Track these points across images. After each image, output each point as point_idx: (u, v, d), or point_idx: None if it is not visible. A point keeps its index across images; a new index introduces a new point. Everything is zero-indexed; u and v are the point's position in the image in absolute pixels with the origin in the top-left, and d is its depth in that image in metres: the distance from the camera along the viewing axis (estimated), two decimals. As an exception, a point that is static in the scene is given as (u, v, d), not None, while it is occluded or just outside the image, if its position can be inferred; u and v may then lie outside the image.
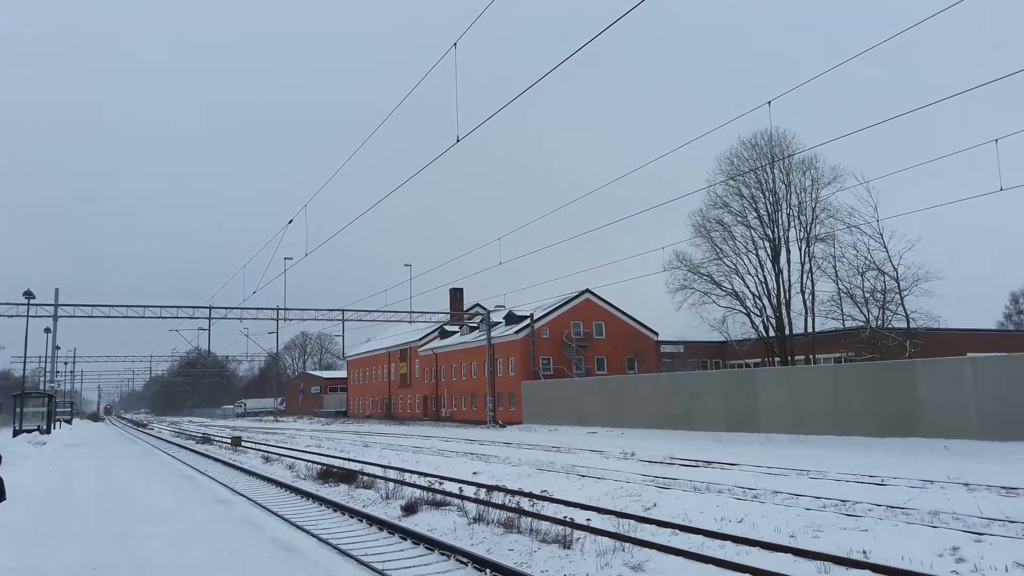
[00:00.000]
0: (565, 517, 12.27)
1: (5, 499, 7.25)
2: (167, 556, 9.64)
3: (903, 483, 16.63)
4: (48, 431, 44.68)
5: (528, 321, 61.14)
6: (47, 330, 53.97)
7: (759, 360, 52.10)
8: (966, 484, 16.03)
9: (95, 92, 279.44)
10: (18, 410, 44.11)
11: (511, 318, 64.13)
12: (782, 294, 48.47)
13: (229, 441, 40.15)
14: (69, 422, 77.87)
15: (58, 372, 67.75)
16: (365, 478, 19.29)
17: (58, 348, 58.18)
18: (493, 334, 61.86)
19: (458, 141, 17.26)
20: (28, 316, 48.22)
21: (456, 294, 75.61)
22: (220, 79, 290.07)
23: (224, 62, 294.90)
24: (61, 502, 15.47)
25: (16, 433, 40.86)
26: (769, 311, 49.14)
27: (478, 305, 72.89)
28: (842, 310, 46.54)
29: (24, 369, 64.50)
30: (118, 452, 35.11)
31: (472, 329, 69.25)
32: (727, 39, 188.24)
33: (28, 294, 46.96)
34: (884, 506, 13.40)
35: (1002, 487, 15.36)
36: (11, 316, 48.39)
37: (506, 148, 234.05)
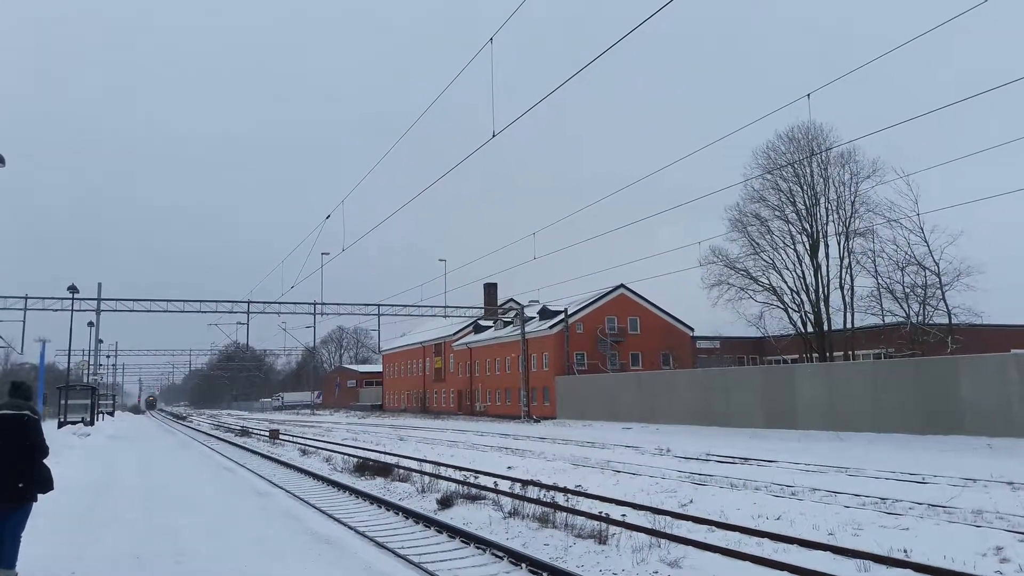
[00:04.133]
0: (601, 512, 12.26)
1: (53, 489, 7.41)
2: (207, 546, 9.79)
3: (944, 481, 16.37)
4: (92, 423, 45.62)
5: (562, 316, 61.06)
6: (90, 324, 55.17)
7: (796, 356, 51.51)
8: (1010, 483, 15.73)
9: (136, 86, 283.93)
10: (63, 402, 45.08)
11: (545, 313, 64.10)
12: (820, 289, 47.86)
13: (267, 434, 40.68)
14: (111, 414, 79.43)
15: (100, 365, 69.11)
16: (401, 471, 19.43)
17: (101, 341, 59.39)
18: (527, 329, 61.88)
19: (494, 136, 17.29)
20: (72, 310, 49.37)
21: (490, 289, 75.78)
22: (259, 77, 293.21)
23: (263, 59, 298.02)
24: (105, 493, 15.78)
25: (61, 425, 41.74)
26: (807, 306, 48.57)
27: (512, 300, 73.00)
28: (882, 306, 45.88)
29: (68, 362, 65.91)
30: (159, 444, 35.73)
31: (506, 324, 69.37)
32: (765, 32, 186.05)
33: (72, 288, 48.02)
34: (925, 504, 13.20)
35: (1048, 486, 15.06)
36: (56, 310, 49.58)
37: (541, 143, 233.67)
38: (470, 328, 78.45)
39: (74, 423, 42.81)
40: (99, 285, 52.30)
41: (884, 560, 9.06)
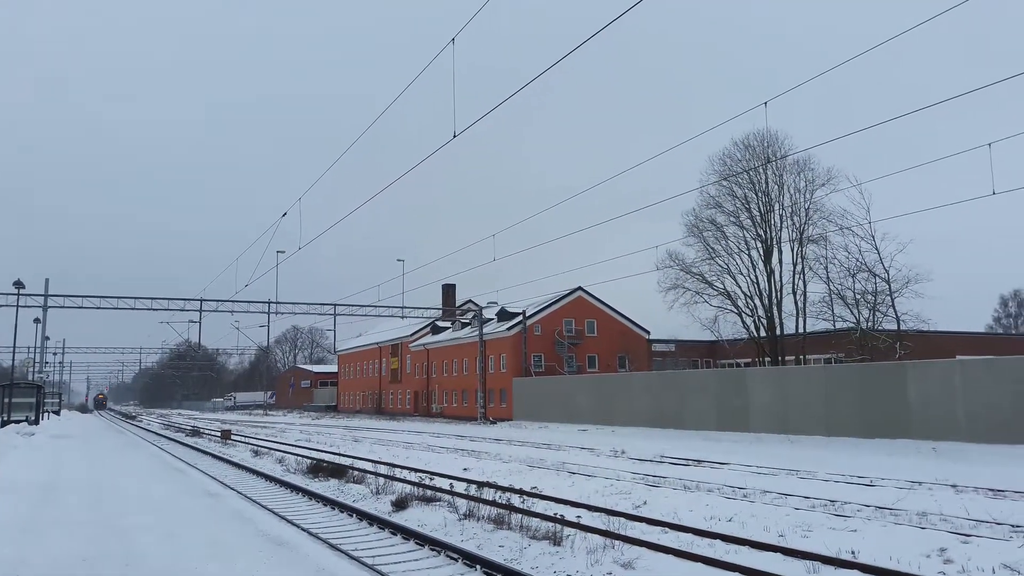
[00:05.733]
0: (555, 514, 12.30)
1: (-4, 490, 7.20)
2: (157, 548, 9.62)
3: (891, 484, 16.73)
4: (36, 422, 44.48)
5: (520, 318, 61.12)
6: (36, 320, 53.75)
7: (750, 360, 52.21)
8: (954, 486, 16.13)
9: (88, 86, 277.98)
10: (6, 400, 43.87)
11: (503, 315, 64.13)
12: (774, 294, 48.61)
13: (219, 434, 40.06)
14: (57, 413, 77.53)
15: (47, 363, 67.44)
16: (355, 473, 19.29)
17: (47, 339, 57.93)
18: (485, 330, 61.84)
19: (455, 137, 17.26)
20: (18, 306, 48.01)
21: (448, 290, 75.53)
22: (215, 73, 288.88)
23: (219, 57, 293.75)
24: (50, 493, 15.40)
25: (4, 424, 40.66)
26: (760, 311, 49.28)
27: (470, 301, 72.85)
28: (833, 311, 46.72)
29: (13, 359, 64.38)
30: (107, 444, 34.97)
31: (464, 325, 69.22)
32: (722, 40, 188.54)
33: (18, 284, 46.71)
34: (873, 507, 13.49)
35: (989, 489, 15.48)
36: (1, 306, 48.16)
37: (502, 145, 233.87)
38: (427, 329, 78.09)
39: (18, 422, 41.73)
40: (46, 281, 50.98)
41: (832, 561, 9.24)
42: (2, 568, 8.41)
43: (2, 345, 74.44)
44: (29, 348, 71.00)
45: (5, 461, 20.49)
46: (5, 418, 42.36)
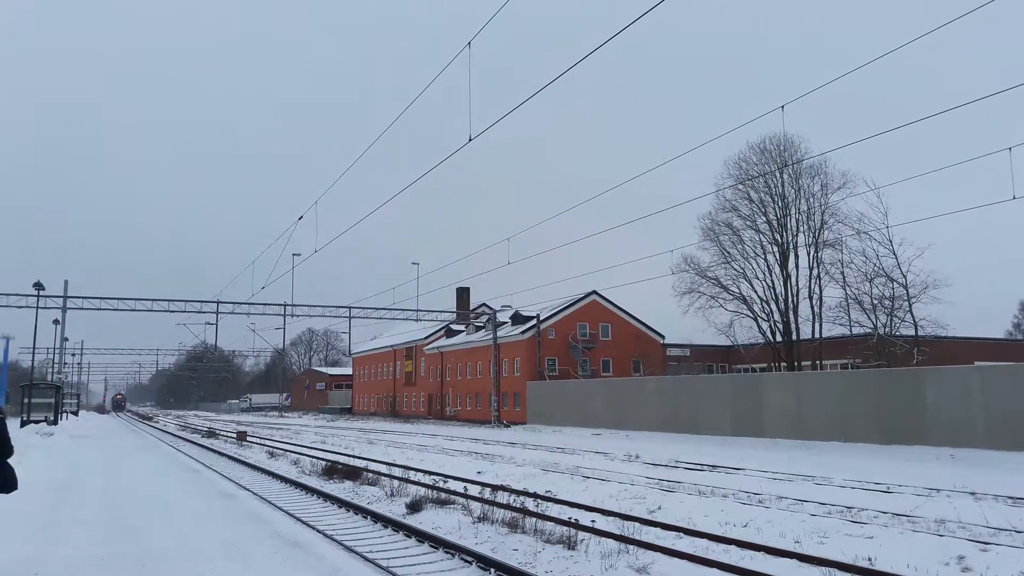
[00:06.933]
0: (570, 518, 12.27)
1: (17, 488, 7.27)
2: (172, 548, 9.68)
3: (909, 491, 16.59)
4: (55, 422, 44.86)
5: (534, 321, 61.11)
6: (56, 321, 54.21)
7: (765, 365, 51.94)
8: (972, 493, 15.97)
9: (104, 86, 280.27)
10: (26, 401, 44.27)
11: (517, 318, 64.14)
12: (790, 299, 48.39)
13: (234, 436, 40.25)
14: (76, 414, 78.17)
15: (66, 363, 68.04)
16: (370, 475, 19.32)
17: (66, 340, 58.40)
18: (499, 334, 61.86)
19: (471, 140, 17.28)
20: (37, 307, 48.48)
21: (463, 293, 75.63)
22: (230, 74, 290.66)
23: (235, 56, 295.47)
24: (68, 493, 15.54)
25: (24, 424, 41.02)
26: (776, 316, 49.04)
27: (484, 305, 72.92)
28: (850, 316, 46.46)
29: (32, 360, 64.91)
30: (124, 444, 35.23)
31: (478, 328, 69.28)
32: (739, 43, 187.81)
33: (38, 285, 47.17)
34: (890, 513, 13.37)
35: (1009, 497, 15.31)
36: (21, 307, 48.69)
37: (517, 148, 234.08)
38: (442, 332, 78.21)
39: (37, 422, 42.09)
40: (65, 283, 51.53)
41: (849, 568, 9.16)
42: (19, 567, 8.48)
43: (22, 346, 75.10)
44: (48, 349, 71.62)
45: (25, 461, 20.61)
46: (25, 418, 42.76)
